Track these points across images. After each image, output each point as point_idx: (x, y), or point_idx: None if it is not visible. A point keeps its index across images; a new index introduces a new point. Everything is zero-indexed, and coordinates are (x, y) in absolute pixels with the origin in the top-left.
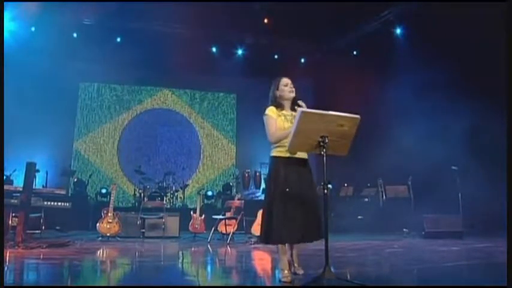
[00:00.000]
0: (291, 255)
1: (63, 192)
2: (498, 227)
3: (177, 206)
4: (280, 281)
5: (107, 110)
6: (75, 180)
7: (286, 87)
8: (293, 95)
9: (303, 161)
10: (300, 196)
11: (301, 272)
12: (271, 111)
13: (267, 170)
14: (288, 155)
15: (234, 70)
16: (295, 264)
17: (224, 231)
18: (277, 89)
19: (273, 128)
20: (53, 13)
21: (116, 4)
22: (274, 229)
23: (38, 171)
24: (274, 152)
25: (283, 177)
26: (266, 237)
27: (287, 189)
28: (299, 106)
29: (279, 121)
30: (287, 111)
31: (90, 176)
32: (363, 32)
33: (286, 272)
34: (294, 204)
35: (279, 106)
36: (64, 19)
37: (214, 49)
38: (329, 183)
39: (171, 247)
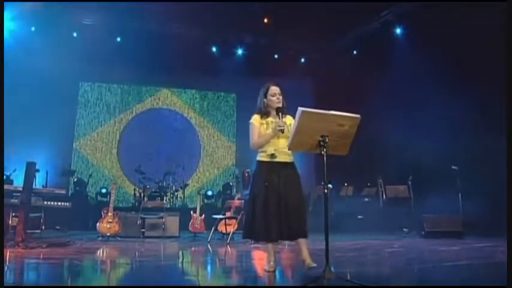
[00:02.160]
0: (301, 253)
1: (63, 192)
2: (498, 227)
3: (177, 205)
4: (265, 270)
5: (106, 110)
6: (75, 180)
7: (273, 97)
8: (278, 105)
9: (285, 164)
10: (279, 197)
11: (313, 265)
12: (254, 119)
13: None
14: (268, 159)
15: (234, 70)
16: (307, 260)
17: (224, 231)
18: (265, 97)
19: (255, 136)
20: (53, 13)
21: (115, 4)
22: (253, 227)
23: (38, 171)
24: (258, 157)
25: (263, 180)
26: (246, 233)
27: (266, 184)
28: (279, 118)
29: (261, 129)
30: (272, 119)
31: (90, 176)
32: (363, 32)
33: (271, 263)
34: (273, 205)
35: (265, 114)
36: (64, 19)
37: (214, 49)
38: (329, 183)
39: (171, 247)
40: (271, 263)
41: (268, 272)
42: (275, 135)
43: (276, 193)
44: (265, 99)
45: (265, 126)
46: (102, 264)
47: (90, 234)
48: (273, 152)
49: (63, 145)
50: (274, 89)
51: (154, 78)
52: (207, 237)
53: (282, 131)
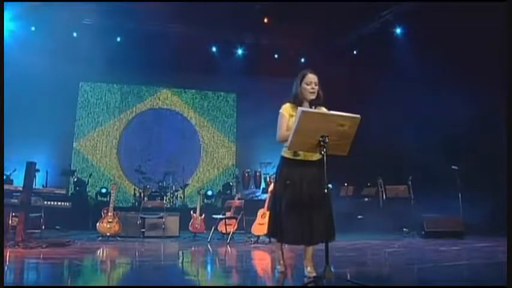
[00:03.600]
0: (304, 256)
1: (63, 191)
2: (498, 227)
3: (177, 205)
4: (277, 271)
5: (106, 110)
6: (75, 179)
7: (308, 86)
8: (312, 97)
9: (310, 163)
10: (299, 198)
11: (312, 274)
12: (285, 109)
13: (272, 169)
14: (291, 156)
15: (234, 70)
16: (308, 268)
17: (224, 231)
18: (300, 85)
19: (282, 128)
20: (53, 13)
21: (115, 4)
22: (274, 228)
23: (38, 170)
24: (282, 152)
25: (284, 177)
26: (270, 233)
27: (288, 182)
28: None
29: (291, 122)
30: None
31: (90, 176)
32: (363, 32)
33: (282, 261)
34: (293, 206)
35: (299, 103)
36: (64, 19)
37: (214, 49)
38: (329, 183)
39: (171, 247)
40: (282, 261)
41: (281, 272)
42: None
43: (294, 193)
44: (299, 87)
45: (294, 119)
46: (102, 264)
47: (90, 234)
48: None
49: (63, 145)
50: (311, 77)
51: (154, 78)
52: (207, 237)
53: None
